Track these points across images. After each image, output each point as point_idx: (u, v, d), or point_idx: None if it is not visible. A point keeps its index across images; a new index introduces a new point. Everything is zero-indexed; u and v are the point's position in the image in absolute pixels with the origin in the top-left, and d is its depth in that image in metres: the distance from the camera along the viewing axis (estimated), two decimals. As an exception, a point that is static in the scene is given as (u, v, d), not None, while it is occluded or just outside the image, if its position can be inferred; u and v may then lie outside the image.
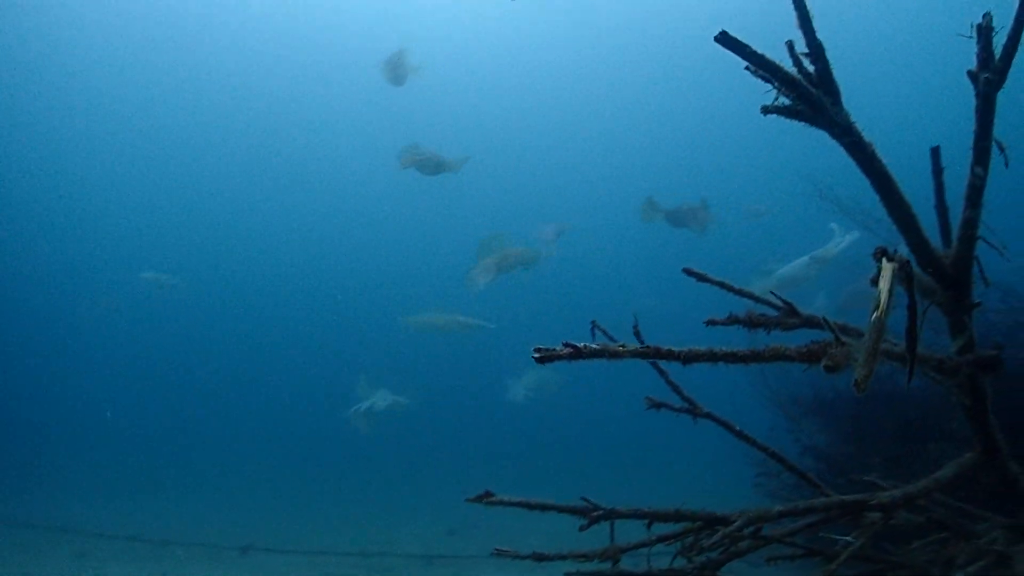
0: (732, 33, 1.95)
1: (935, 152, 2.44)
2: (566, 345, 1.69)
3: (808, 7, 1.96)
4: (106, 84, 26.45)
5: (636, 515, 2.56)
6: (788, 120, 2.19)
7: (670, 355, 1.80)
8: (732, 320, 2.31)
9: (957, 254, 2.39)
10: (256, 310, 30.34)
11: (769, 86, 2.14)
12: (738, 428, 2.91)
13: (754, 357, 1.91)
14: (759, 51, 1.91)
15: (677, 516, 2.61)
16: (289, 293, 30.78)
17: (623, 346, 1.75)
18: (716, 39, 1.88)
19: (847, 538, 3.15)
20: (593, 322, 3.09)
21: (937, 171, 2.46)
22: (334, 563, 7.67)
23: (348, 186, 31.44)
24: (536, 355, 1.69)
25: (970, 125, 2.34)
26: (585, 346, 1.69)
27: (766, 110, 2.09)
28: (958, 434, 4.90)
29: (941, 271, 2.52)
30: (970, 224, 2.29)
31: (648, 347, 1.76)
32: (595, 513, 2.50)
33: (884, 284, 1.86)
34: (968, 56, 2.32)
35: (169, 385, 25.54)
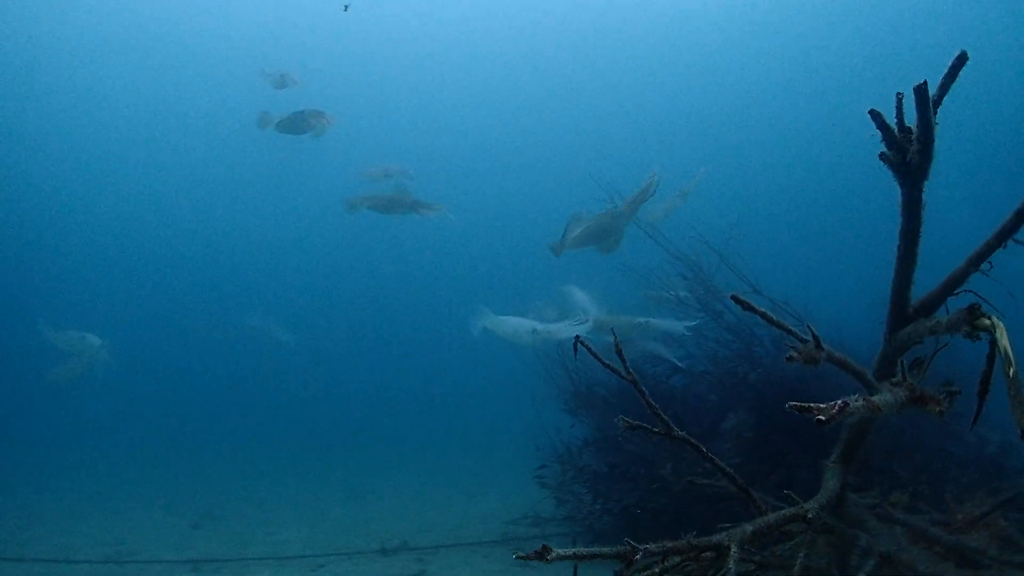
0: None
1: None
2: (843, 402, 1.52)
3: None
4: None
5: (663, 551, 2.45)
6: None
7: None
8: (799, 356, 2.32)
9: (935, 299, 2.71)
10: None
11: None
12: (704, 449, 2.95)
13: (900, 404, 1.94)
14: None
15: (690, 547, 2.56)
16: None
17: (862, 370, 1.64)
18: (870, 113, 1.85)
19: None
20: (577, 337, 2.92)
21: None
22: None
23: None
24: (821, 418, 1.49)
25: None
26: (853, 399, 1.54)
27: (884, 158, 2.13)
28: (741, 433, 5.66)
29: (904, 312, 2.85)
30: (960, 279, 2.60)
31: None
32: (636, 556, 2.33)
33: (1005, 340, 2.01)
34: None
35: None
